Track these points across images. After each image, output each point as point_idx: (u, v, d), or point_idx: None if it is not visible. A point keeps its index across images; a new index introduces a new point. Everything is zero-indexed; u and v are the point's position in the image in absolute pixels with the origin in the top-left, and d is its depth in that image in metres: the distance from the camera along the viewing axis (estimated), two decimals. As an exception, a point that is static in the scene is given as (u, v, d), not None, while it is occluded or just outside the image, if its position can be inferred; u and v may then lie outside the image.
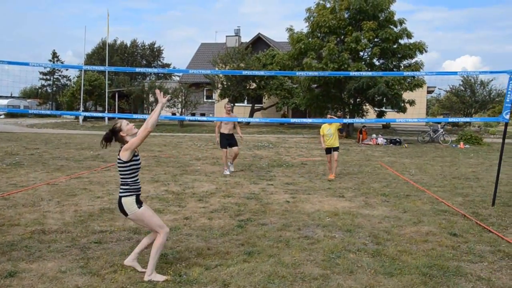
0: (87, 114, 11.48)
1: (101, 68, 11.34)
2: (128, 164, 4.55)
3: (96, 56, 62.68)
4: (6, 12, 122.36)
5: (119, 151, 4.57)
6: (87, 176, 10.90)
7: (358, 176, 11.87)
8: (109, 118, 36.75)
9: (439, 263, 5.12)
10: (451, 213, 7.71)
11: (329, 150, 11.73)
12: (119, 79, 44.69)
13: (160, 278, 4.55)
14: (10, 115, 45.35)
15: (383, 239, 6.10)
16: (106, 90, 37.54)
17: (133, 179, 4.61)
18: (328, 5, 25.88)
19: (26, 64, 8.84)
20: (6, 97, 50.47)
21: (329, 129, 11.68)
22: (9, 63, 8.42)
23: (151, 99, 34.73)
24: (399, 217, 7.36)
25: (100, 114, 12.54)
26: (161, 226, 4.70)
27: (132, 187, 4.59)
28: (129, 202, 4.56)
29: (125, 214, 4.61)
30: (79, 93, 37.34)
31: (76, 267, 4.87)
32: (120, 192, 4.60)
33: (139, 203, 4.60)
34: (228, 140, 12.06)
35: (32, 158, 14.29)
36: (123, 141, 4.66)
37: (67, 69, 66.14)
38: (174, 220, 6.91)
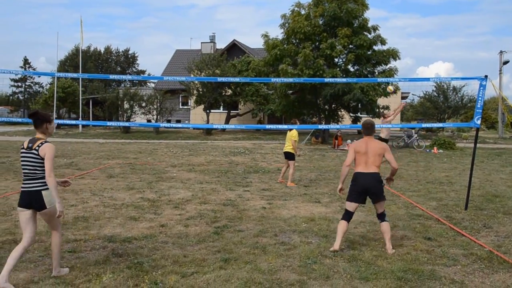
0: (60, 121, 11.31)
1: (75, 75, 11.23)
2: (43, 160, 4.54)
3: (69, 63, 61.76)
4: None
5: (35, 144, 4.55)
6: (60, 184, 10.70)
7: (334, 181, 11.94)
8: (83, 126, 36.24)
9: (414, 267, 5.18)
10: (425, 217, 7.82)
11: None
12: (93, 86, 44.08)
13: (65, 271, 4.85)
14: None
15: (359, 244, 6.15)
16: (80, 97, 36.99)
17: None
18: (303, 12, 26.12)
19: (-4, 70, 8.64)
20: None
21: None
22: (-22, 69, 8.22)
23: (126, 105, 34.36)
24: (375, 222, 7.40)
25: (74, 122, 12.34)
26: (60, 226, 4.89)
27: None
28: (50, 195, 4.53)
29: (41, 208, 4.54)
30: (52, 100, 36.69)
31: (49, 277, 4.77)
32: (38, 186, 4.52)
33: None
34: None
35: (3, 166, 13.97)
36: (42, 130, 4.65)
37: (39, 76, 65.01)
38: (150, 228, 6.84)
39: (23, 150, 4.60)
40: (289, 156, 11.63)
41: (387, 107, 26.71)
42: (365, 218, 7.70)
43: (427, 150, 22.58)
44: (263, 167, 14.96)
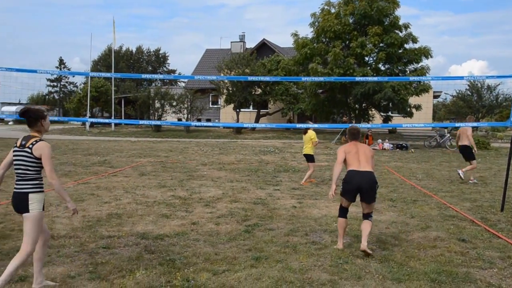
0: (93, 120, 11.55)
1: (108, 74, 11.42)
2: (40, 160, 4.23)
3: (102, 63, 63.00)
4: (13, 20, 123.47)
5: (29, 142, 4.21)
6: (94, 182, 10.93)
7: (365, 181, 11.83)
8: (116, 124, 36.87)
9: (448, 269, 5.09)
10: (459, 218, 7.67)
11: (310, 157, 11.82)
12: (125, 85, 44.95)
13: None
14: (18, 121, 45.55)
15: (391, 244, 6.08)
16: (113, 96, 37.69)
17: (40, 176, 4.27)
18: (333, 10, 25.97)
19: (34, 71, 8.92)
20: (15, 104, 50.76)
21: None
22: (18, 70, 8.51)
23: (157, 104, 34.83)
24: (407, 222, 7.33)
25: (106, 120, 12.62)
26: (34, 244, 4.24)
27: (41, 184, 4.28)
28: (37, 199, 4.20)
29: (24, 210, 4.17)
30: (85, 100, 37.52)
31: (85, 272, 4.88)
32: (27, 188, 4.18)
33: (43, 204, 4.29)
34: None
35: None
36: (37, 128, 4.30)
37: (73, 76, 66.47)
38: (181, 225, 6.92)
39: (16, 148, 4.26)
40: (309, 158, 11.58)
41: (419, 106, 26.30)
42: (397, 218, 7.60)
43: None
44: (293, 166, 14.93)
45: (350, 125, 6.25)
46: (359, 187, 5.72)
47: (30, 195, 4.17)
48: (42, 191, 4.27)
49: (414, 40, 25.41)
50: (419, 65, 25.86)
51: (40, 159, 4.18)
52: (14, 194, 4.23)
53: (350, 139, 6.17)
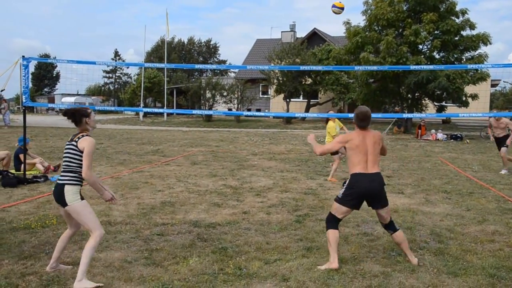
0: (147, 110, 11.84)
1: (162, 65, 11.72)
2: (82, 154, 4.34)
3: (155, 54, 64.33)
4: (73, 14, 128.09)
5: (76, 136, 4.38)
6: (148, 170, 11.24)
7: (418, 172, 11.57)
8: (168, 114, 37.65)
9: (508, 264, 4.90)
10: (519, 212, 7.36)
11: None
12: (177, 76, 45.71)
13: (89, 285, 4.18)
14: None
15: (446, 237, 5.92)
16: (165, 87, 38.46)
17: (81, 170, 4.32)
18: (386, -2, 25.31)
19: (93, 63, 9.27)
20: (73, 95, 52.87)
21: (337, 126, 10.83)
22: (78, 62, 8.83)
23: (208, 95, 35.29)
24: (462, 215, 7.11)
25: (159, 110, 12.88)
26: (97, 227, 4.33)
27: (80, 177, 4.33)
28: (73, 191, 4.29)
29: (64, 204, 4.30)
30: (139, 90, 38.50)
31: (141, 257, 5.05)
32: (65, 180, 4.31)
33: (81, 195, 4.38)
34: None
35: (97, 152, 14.88)
36: (82, 126, 4.46)
37: (128, 67, 68.32)
38: (233, 214, 7.01)
39: (67, 142, 4.44)
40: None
41: (475, 96, 25.31)
42: (451, 210, 7.39)
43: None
44: (343, 156, 14.75)
45: (359, 107, 5.05)
46: (368, 193, 4.80)
47: (66, 187, 4.28)
48: (78, 184, 4.34)
49: (472, 27, 24.42)
50: (477, 52, 24.87)
51: (83, 152, 4.29)
52: (55, 185, 4.41)
53: (357, 125, 5.01)
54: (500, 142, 11.68)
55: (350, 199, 4.81)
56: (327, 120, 11.03)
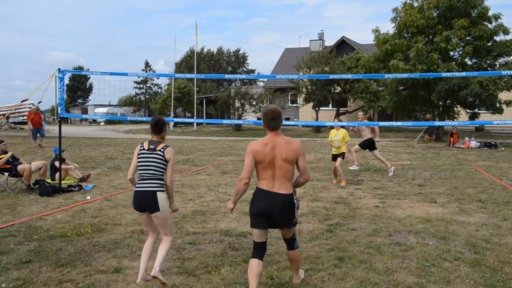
0: (177, 120, 11.99)
1: (192, 75, 11.82)
2: (167, 163, 4.66)
3: (184, 64, 65.10)
4: (105, 27, 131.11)
5: (159, 146, 4.65)
6: (179, 180, 11.36)
7: (451, 181, 11.35)
8: (198, 124, 37.99)
9: (546, 275, 4.77)
10: (558, 222, 7.14)
11: (334, 157, 11.28)
12: (207, 86, 46.14)
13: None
14: (108, 122, 48.46)
15: (482, 248, 5.79)
16: (195, 97, 38.84)
17: (164, 177, 4.68)
18: (415, 4, 25.05)
19: (125, 74, 9.45)
20: (105, 106, 54.03)
21: (336, 135, 11.25)
22: (111, 74, 9.05)
23: (237, 104, 35.50)
24: (499, 225, 6.95)
25: (189, 120, 13.08)
26: (172, 232, 4.85)
27: (164, 184, 4.66)
28: (164, 198, 4.61)
29: (155, 209, 4.54)
30: (169, 100, 39.00)
31: (173, 266, 5.11)
32: (155, 187, 4.57)
33: None
34: None
35: (129, 162, 15.09)
36: (162, 134, 4.77)
37: (158, 78, 69.34)
38: (263, 224, 7.01)
39: (144, 151, 4.63)
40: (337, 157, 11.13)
41: (510, 102, 24.72)
42: (487, 220, 7.22)
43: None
44: (374, 165, 14.62)
45: (266, 105, 4.19)
46: (264, 214, 4.16)
47: (158, 193, 4.55)
48: (165, 191, 4.66)
49: (506, 32, 23.90)
50: (511, 58, 24.33)
51: (168, 162, 4.61)
52: (139, 193, 4.60)
53: (267, 127, 4.22)
54: None
55: (252, 218, 4.23)
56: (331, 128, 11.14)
